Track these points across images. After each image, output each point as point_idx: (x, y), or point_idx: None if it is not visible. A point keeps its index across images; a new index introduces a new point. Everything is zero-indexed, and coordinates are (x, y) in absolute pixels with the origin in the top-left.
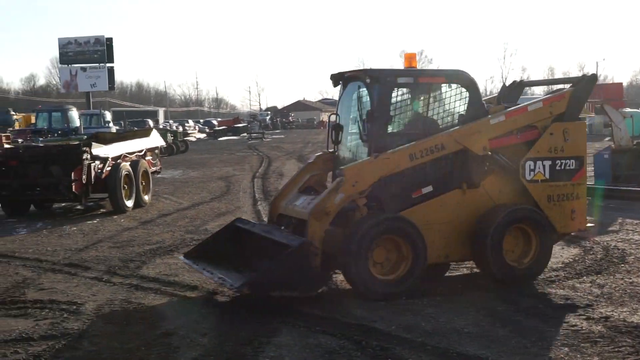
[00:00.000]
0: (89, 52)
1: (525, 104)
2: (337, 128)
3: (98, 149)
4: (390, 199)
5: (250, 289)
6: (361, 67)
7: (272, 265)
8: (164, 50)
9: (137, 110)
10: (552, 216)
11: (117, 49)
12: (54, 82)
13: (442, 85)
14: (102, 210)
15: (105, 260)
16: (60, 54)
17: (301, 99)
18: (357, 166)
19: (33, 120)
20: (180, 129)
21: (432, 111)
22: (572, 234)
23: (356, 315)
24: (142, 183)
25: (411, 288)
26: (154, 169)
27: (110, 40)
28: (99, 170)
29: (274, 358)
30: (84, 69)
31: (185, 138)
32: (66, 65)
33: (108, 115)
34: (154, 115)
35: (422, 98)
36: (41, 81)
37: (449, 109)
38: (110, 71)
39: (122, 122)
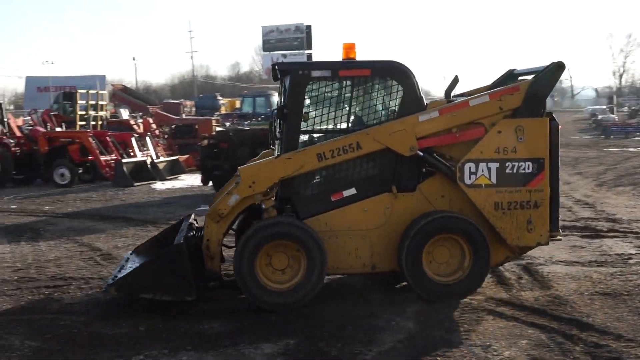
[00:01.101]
0: (289, 40)
1: (467, 98)
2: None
3: None
4: (304, 201)
5: (117, 290)
6: None
7: (143, 266)
8: (361, 37)
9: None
10: (501, 226)
11: (315, 36)
12: (257, 69)
13: (372, 78)
14: None
15: None
16: (263, 41)
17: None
18: (254, 166)
19: (237, 105)
20: None
21: (357, 107)
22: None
23: (567, 308)
24: None
25: (305, 299)
26: None
27: (309, 27)
28: None
29: (481, 347)
30: (284, 56)
31: None
32: (268, 53)
33: None
34: None
35: (345, 93)
36: (245, 68)
37: (379, 105)
38: (309, 58)
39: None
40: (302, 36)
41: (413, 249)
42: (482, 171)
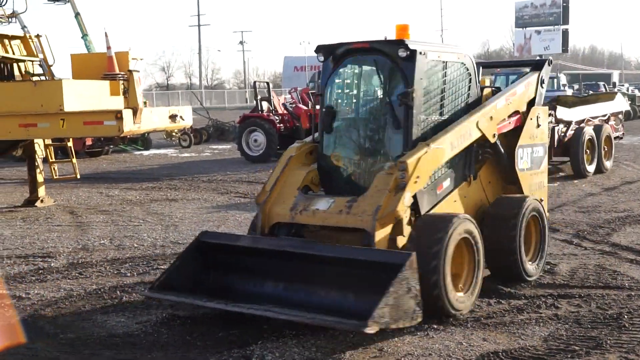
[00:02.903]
0: (544, 15)
1: (513, 87)
2: (330, 113)
3: (562, 112)
4: (422, 194)
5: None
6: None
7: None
8: (622, 12)
9: (589, 73)
10: None
11: (572, 12)
12: (507, 46)
13: (457, 62)
14: (561, 173)
15: (573, 223)
16: (516, 17)
17: None
18: (416, 159)
19: (487, 83)
20: (637, 92)
21: (449, 93)
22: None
23: None
24: (604, 148)
25: None
26: (616, 134)
27: (566, 1)
28: (562, 134)
29: None
30: (538, 32)
31: None
32: (521, 29)
33: (563, 79)
34: (607, 78)
35: (442, 77)
36: (494, 46)
37: (463, 90)
38: (565, 33)
39: (577, 86)
40: (559, 11)
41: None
42: (525, 156)
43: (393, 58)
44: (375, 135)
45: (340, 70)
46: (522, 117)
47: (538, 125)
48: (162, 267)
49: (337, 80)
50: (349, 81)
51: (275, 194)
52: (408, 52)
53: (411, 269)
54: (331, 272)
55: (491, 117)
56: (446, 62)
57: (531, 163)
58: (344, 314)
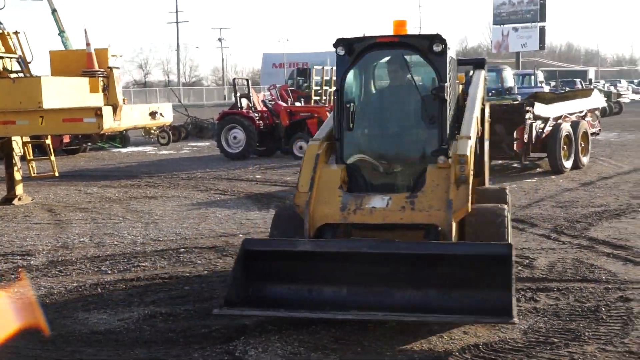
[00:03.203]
0: (521, 12)
1: (477, 83)
2: (351, 109)
3: (540, 109)
4: None
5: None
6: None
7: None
8: (597, 10)
9: (566, 70)
10: None
11: (549, 9)
12: (485, 43)
13: (454, 58)
14: (539, 169)
15: (551, 218)
16: (494, 14)
17: None
18: (469, 151)
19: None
20: (613, 89)
21: (454, 87)
22: None
23: None
24: (581, 144)
25: None
26: (593, 130)
27: None
28: (540, 130)
29: None
30: (515, 29)
31: (619, 99)
32: (499, 26)
33: (540, 75)
34: (583, 75)
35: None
36: (472, 43)
37: (456, 85)
38: (542, 30)
39: (554, 82)
40: (536, 8)
41: None
42: (485, 149)
43: (423, 52)
44: (406, 131)
45: (361, 64)
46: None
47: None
48: (143, 264)
49: (358, 76)
50: (371, 76)
51: (320, 193)
52: (442, 46)
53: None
54: (417, 270)
55: (481, 111)
56: (451, 57)
57: (486, 156)
58: (431, 310)
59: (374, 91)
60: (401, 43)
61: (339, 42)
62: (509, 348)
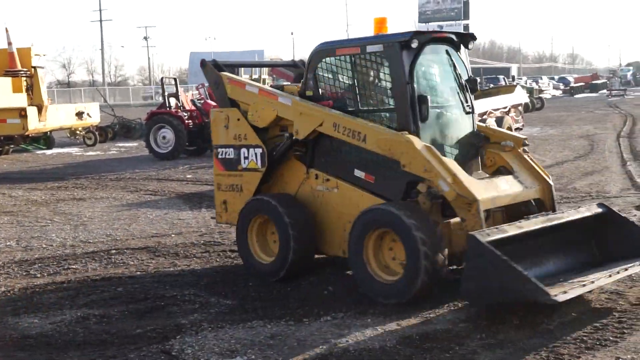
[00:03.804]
0: (445, 10)
1: None
2: (424, 101)
3: None
4: None
5: None
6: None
7: None
8: (519, 8)
9: (490, 67)
10: None
11: (472, 8)
12: None
13: None
14: None
15: None
16: (419, 13)
17: None
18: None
19: None
20: (535, 85)
21: None
22: None
23: None
24: None
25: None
26: (517, 125)
27: None
28: None
29: None
30: (440, 27)
31: (540, 95)
32: (424, 24)
33: None
34: (506, 72)
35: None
36: None
37: None
38: (466, 28)
39: (478, 79)
40: (459, 7)
41: None
42: None
43: (456, 48)
44: (457, 120)
45: (422, 58)
46: None
47: None
48: (74, 266)
49: (422, 69)
50: (430, 69)
51: (467, 182)
52: (473, 44)
53: None
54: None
55: None
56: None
57: None
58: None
59: (433, 84)
60: (447, 39)
61: (415, 35)
62: (441, 338)
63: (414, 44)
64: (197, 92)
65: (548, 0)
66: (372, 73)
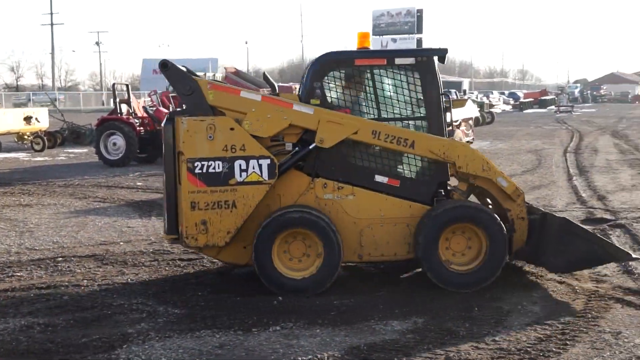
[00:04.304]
0: (399, 24)
1: None
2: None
3: None
4: None
5: None
6: None
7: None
8: (471, 24)
9: (442, 81)
10: None
11: (426, 21)
12: None
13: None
14: None
15: None
16: (373, 25)
17: (615, 70)
18: None
19: None
20: (485, 100)
21: None
22: None
23: None
24: None
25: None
26: (467, 139)
27: (420, 11)
28: None
29: (611, 334)
30: (394, 40)
31: (491, 109)
32: (378, 37)
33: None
34: (458, 86)
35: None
36: None
37: None
38: (419, 42)
39: None
40: (413, 20)
41: None
42: None
43: None
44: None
45: None
46: None
47: None
48: (18, 274)
49: None
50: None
51: None
52: None
53: None
54: None
55: None
56: None
57: None
58: None
59: None
60: None
61: (447, 51)
62: (389, 348)
63: (446, 59)
64: (150, 98)
65: (500, 16)
66: (399, 84)
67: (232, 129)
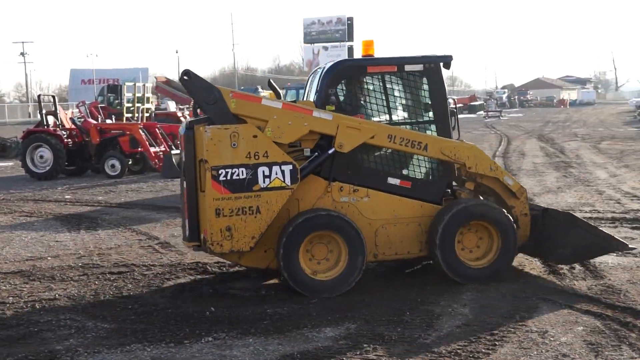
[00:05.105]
0: (330, 32)
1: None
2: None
3: None
4: None
5: None
6: None
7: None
8: (400, 31)
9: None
10: None
11: (356, 29)
12: (297, 61)
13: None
14: None
15: None
16: (304, 33)
17: (540, 76)
18: None
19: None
20: None
21: None
22: None
23: (621, 297)
24: None
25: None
26: None
27: (351, 19)
28: None
29: (538, 333)
30: (325, 48)
31: None
32: (310, 45)
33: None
34: None
35: None
36: (285, 61)
37: None
38: (350, 50)
39: None
40: (344, 28)
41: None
42: None
43: None
44: None
45: None
46: None
47: None
48: None
49: None
50: None
51: None
52: None
53: None
54: None
55: None
56: None
57: None
58: None
59: None
60: None
61: (451, 57)
62: (322, 355)
63: (451, 66)
64: (78, 110)
65: (428, 22)
66: (408, 89)
67: (255, 136)
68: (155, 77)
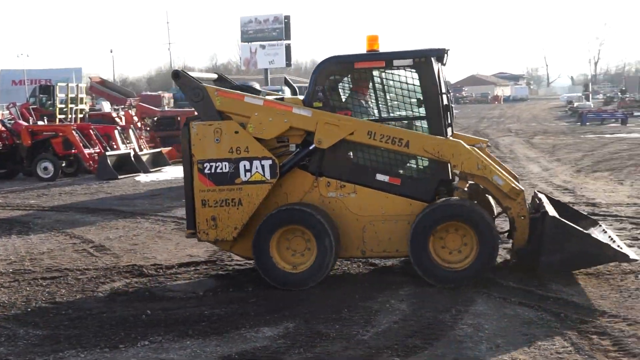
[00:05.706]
0: (268, 30)
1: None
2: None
3: None
4: None
5: None
6: None
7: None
8: (337, 29)
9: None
10: None
11: (294, 28)
12: (234, 60)
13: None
14: None
15: None
16: (241, 32)
17: (475, 73)
18: None
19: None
20: None
21: None
22: None
23: (552, 288)
24: None
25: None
26: None
27: (288, 18)
28: None
29: (472, 326)
30: (263, 47)
31: None
32: (247, 43)
33: (287, 92)
34: None
35: None
36: (222, 60)
37: None
38: (288, 48)
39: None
40: (281, 27)
41: None
42: None
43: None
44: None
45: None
46: None
47: None
48: None
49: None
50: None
51: None
52: None
53: None
54: None
55: None
56: None
57: None
58: None
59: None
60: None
61: (446, 51)
62: (260, 355)
63: (446, 59)
64: (8, 111)
65: (363, 21)
66: (398, 85)
67: (236, 132)
68: (90, 77)
